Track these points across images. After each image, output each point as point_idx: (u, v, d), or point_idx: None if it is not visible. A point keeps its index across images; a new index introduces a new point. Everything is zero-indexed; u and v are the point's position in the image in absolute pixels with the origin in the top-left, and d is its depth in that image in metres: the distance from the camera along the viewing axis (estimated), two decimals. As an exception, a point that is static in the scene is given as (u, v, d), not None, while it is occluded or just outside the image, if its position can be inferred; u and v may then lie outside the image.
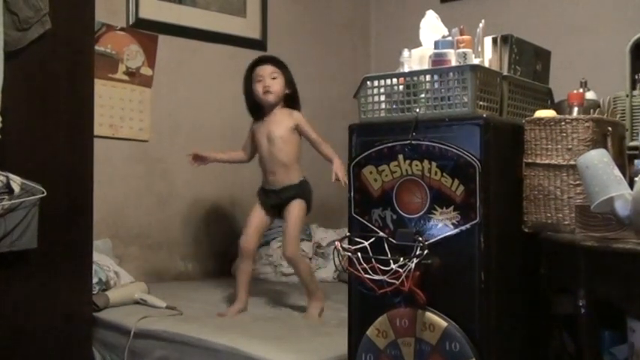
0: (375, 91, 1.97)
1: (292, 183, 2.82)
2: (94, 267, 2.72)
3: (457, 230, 1.80)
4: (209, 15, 3.66)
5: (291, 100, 2.89)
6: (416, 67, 1.99)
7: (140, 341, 2.54)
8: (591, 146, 1.78)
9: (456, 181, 1.80)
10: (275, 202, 2.83)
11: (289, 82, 2.87)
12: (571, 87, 2.13)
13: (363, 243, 1.90)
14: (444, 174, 1.81)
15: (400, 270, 1.78)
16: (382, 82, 1.96)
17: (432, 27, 2.09)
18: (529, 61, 2.11)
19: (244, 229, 2.87)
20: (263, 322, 2.63)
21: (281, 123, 2.84)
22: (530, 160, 1.88)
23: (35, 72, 2.39)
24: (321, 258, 3.66)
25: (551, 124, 1.84)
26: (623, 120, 2.19)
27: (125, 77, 3.34)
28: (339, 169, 2.65)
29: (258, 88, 2.82)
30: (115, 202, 3.29)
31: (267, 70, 2.83)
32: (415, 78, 1.91)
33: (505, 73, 1.99)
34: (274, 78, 2.82)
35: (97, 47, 3.02)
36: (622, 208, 1.58)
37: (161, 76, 3.47)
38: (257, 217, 2.85)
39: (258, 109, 2.88)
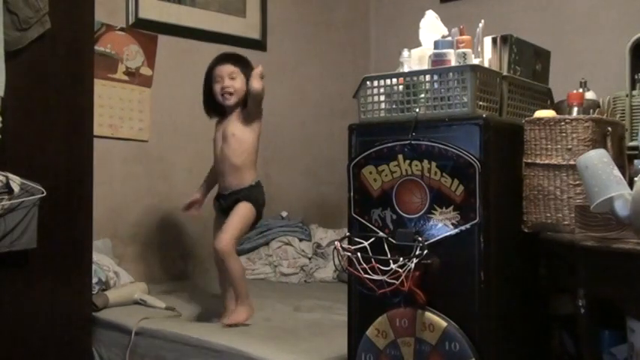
0: (375, 91, 1.97)
1: (242, 187, 2.65)
2: (94, 267, 2.72)
3: (457, 230, 1.80)
4: (209, 15, 3.66)
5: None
6: (416, 67, 2.00)
7: (140, 341, 2.54)
8: (591, 146, 1.78)
9: (456, 181, 1.80)
10: (224, 205, 2.68)
11: (248, 80, 2.64)
12: (571, 87, 2.13)
13: (362, 243, 1.90)
14: (444, 174, 1.81)
15: (400, 270, 1.78)
16: (382, 82, 1.96)
17: (431, 27, 2.09)
18: (529, 61, 2.11)
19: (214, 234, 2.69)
20: (263, 322, 2.63)
21: (236, 120, 2.68)
22: (529, 160, 1.88)
23: (35, 72, 2.39)
24: (321, 258, 3.66)
25: (550, 124, 1.84)
26: (623, 120, 2.20)
27: (125, 77, 3.34)
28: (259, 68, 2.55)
29: (217, 89, 2.68)
30: (115, 202, 3.29)
31: (225, 70, 2.67)
32: (415, 78, 1.91)
33: (505, 73, 1.99)
34: (233, 78, 2.67)
35: (96, 47, 3.02)
36: (622, 208, 1.58)
37: (161, 76, 3.46)
38: (218, 228, 2.67)
39: (218, 111, 2.75)
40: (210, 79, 2.72)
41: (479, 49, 1.99)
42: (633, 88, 2.25)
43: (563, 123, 1.83)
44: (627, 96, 2.24)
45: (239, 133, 2.66)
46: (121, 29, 3.33)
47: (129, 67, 3.35)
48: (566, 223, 1.81)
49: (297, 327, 2.57)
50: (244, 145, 2.66)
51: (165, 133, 3.51)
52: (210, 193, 2.86)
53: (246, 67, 2.71)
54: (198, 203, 2.86)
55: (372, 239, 1.90)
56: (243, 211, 2.61)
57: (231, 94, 2.66)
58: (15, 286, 2.33)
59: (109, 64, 3.28)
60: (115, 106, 3.31)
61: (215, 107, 2.75)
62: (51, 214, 2.35)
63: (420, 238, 1.82)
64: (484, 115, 1.80)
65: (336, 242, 1.93)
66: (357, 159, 1.97)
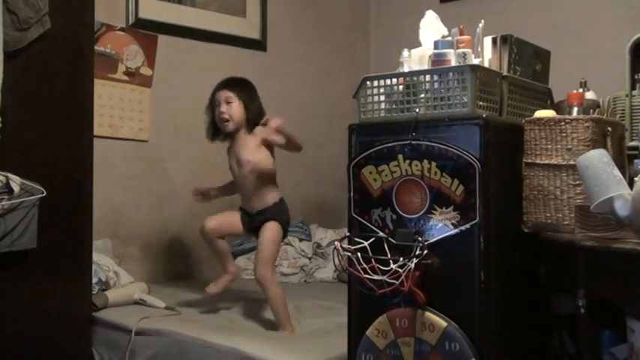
0: (375, 91, 1.97)
1: (267, 206, 2.69)
2: (94, 267, 2.72)
3: (457, 230, 1.80)
4: (209, 15, 3.66)
5: (253, 124, 2.73)
6: (416, 67, 1.99)
7: (140, 341, 2.54)
8: (591, 146, 1.78)
9: (456, 181, 1.80)
10: (251, 225, 2.74)
11: (247, 105, 2.71)
12: (571, 87, 2.13)
13: (362, 243, 1.90)
14: (444, 174, 1.81)
15: (400, 270, 1.78)
16: (382, 82, 1.96)
17: (431, 27, 2.09)
18: (529, 61, 2.11)
19: (213, 215, 2.79)
20: (263, 322, 2.63)
21: (247, 146, 2.70)
22: (529, 160, 1.88)
23: (35, 72, 2.39)
24: (321, 258, 3.66)
25: (550, 124, 1.84)
26: (623, 120, 2.20)
27: (125, 77, 3.34)
28: (277, 122, 2.59)
29: (216, 115, 2.72)
30: (115, 202, 3.29)
31: (222, 96, 2.71)
32: (415, 78, 1.91)
33: (505, 73, 1.99)
34: (229, 103, 2.69)
35: (96, 47, 3.02)
36: (621, 208, 1.58)
37: (161, 76, 3.47)
38: (233, 215, 2.78)
39: (219, 134, 2.78)
40: (212, 103, 2.77)
41: (479, 49, 1.99)
42: (633, 88, 2.25)
43: (563, 123, 1.83)
44: (627, 96, 2.24)
45: (254, 158, 2.68)
46: (121, 29, 3.33)
47: (129, 67, 3.36)
48: (566, 223, 1.81)
49: (297, 327, 2.57)
50: (262, 168, 2.68)
51: (166, 133, 3.51)
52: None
53: (243, 91, 2.72)
54: (209, 197, 2.92)
55: (372, 239, 1.90)
56: (272, 233, 2.65)
57: (227, 120, 2.69)
58: (15, 286, 2.33)
59: (109, 64, 3.28)
60: (115, 106, 3.31)
61: (214, 131, 2.79)
62: (51, 214, 2.35)
63: (420, 238, 1.82)
64: (484, 115, 1.80)
65: (336, 242, 1.93)
66: (357, 159, 1.97)
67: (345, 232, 2.04)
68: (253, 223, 2.72)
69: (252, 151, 2.69)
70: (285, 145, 2.64)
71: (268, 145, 2.70)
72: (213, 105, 2.76)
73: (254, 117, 2.72)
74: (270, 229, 2.66)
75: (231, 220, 2.77)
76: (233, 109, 2.69)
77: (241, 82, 2.78)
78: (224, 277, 2.78)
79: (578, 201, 1.79)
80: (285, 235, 2.76)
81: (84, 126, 2.54)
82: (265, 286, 2.58)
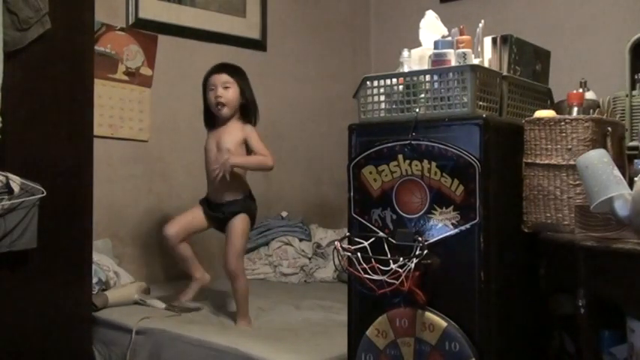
0: (375, 91, 1.97)
1: (236, 198, 2.71)
2: (94, 267, 2.72)
3: (457, 230, 1.80)
4: (208, 15, 3.66)
5: (246, 111, 2.75)
6: (416, 67, 2.00)
7: (140, 341, 2.54)
8: (591, 146, 1.78)
9: (456, 181, 1.80)
10: (217, 216, 2.74)
11: (244, 91, 2.72)
12: (571, 87, 2.13)
13: (362, 243, 1.90)
14: (444, 174, 1.81)
15: (400, 270, 1.78)
16: (382, 82, 1.96)
17: (431, 27, 2.09)
18: (529, 61, 2.11)
19: (173, 218, 2.82)
20: (263, 323, 2.63)
21: (231, 134, 2.71)
22: (529, 160, 1.88)
23: (35, 72, 2.39)
24: (321, 258, 3.66)
25: (550, 124, 1.84)
26: (623, 120, 2.20)
27: (125, 77, 3.34)
28: (226, 161, 2.60)
29: (211, 98, 2.71)
30: (115, 202, 3.29)
31: (220, 79, 2.70)
32: (415, 78, 1.91)
33: (505, 73, 1.99)
34: (227, 87, 2.69)
35: (96, 47, 3.02)
36: (621, 208, 1.58)
37: (161, 76, 3.46)
38: (194, 214, 2.78)
39: (212, 119, 2.78)
40: (205, 87, 2.76)
41: (479, 49, 1.99)
42: (633, 88, 2.25)
43: (563, 123, 1.83)
44: (627, 96, 2.24)
45: (235, 148, 2.69)
46: (121, 29, 3.33)
47: (129, 67, 3.35)
48: (566, 223, 1.81)
49: (297, 327, 2.57)
50: (238, 163, 2.68)
51: (165, 133, 3.50)
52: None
53: (242, 78, 2.74)
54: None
55: (372, 239, 1.90)
56: (241, 225, 2.67)
57: (223, 104, 2.69)
58: (15, 286, 2.33)
59: (109, 64, 3.28)
60: (115, 106, 3.31)
61: (209, 117, 2.79)
62: (51, 214, 2.34)
63: (420, 238, 1.82)
64: (484, 115, 1.80)
65: (336, 242, 1.93)
66: (357, 159, 1.97)
67: (345, 232, 2.04)
68: (219, 215, 2.72)
69: (235, 142, 2.69)
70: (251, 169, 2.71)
71: (248, 145, 2.71)
72: (206, 89, 2.74)
73: (248, 106, 2.73)
74: (242, 221, 2.67)
75: (191, 218, 2.77)
76: (230, 94, 2.69)
77: (239, 69, 2.77)
78: (192, 285, 2.82)
79: (578, 201, 1.79)
80: (251, 228, 2.80)
81: (84, 126, 2.53)
82: (236, 278, 2.61)
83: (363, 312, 1.97)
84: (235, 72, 2.74)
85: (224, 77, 2.70)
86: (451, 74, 1.84)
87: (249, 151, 2.73)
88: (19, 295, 2.35)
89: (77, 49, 2.50)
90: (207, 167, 2.76)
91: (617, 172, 1.62)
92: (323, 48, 4.23)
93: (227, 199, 2.71)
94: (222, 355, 2.28)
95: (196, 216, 2.77)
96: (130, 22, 3.37)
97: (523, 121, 1.92)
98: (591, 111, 2.06)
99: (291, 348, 2.26)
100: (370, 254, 1.87)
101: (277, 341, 2.34)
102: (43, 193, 2.28)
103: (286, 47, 4.03)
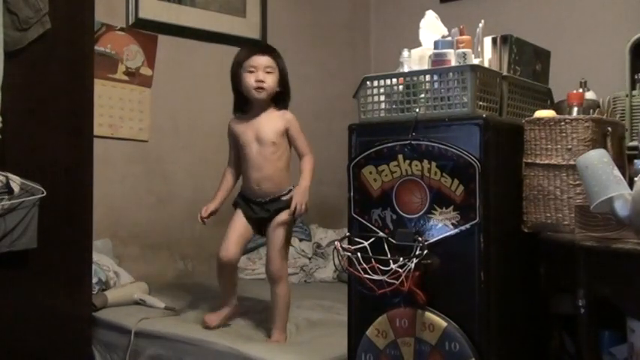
0: (375, 91, 1.97)
1: (282, 193, 2.45)
2: (94, 267, 2.72)
3: (457, 230, 1.80)
4: (208, 15, 3.66)
5: (281, 99, 2.50)
6: (416, 67, 1.99)
7: (140, 341, 2.54)
8: (591, 146, 1.78)
9: (456, 181, 1.79)
10: (260, 215, 2.46)
11: (283, 78, 2.48)
12: (571, 87, 2.13)
13: (362, 243, 1.90)
14: (444, 174, 1.81)
15: (400, 270, 1.78)
16: (382, 82, 1.96)
17: (431, 27, 2.09)
18: (529, 61, 2.11)
19: (225, 238, 2.46)
20: (263, 323, 2.63)
21: (271, 124, 2.44)
22: (529, 160, 1.88)
23: (35, 72, 2.39)
24: (321, 258, 3.66)
25: (550, 124, 1.84)
26: (623, 120, 2.20)
27: (125, 77, 3.34)
28: (298, 196, 2.36)
29: (250, 81, 2.41)
30: (115, 202, 3.29)
31: (262, 62, 2.42)
32: (415, 78, 1.91)
33: (505, 73, 1.99)
34: (269, 72, 2.42)
35: (96, 47, 3.02)
36: (621, 208, 1.58)
37: (161, 76, 3.47)
38: (241, 225, 2.47)
39: (242, 104, 2.51)
40: (239, 67, 2.46)
41: (479, 49, 1.99)
42: (633, 88, 2.25)
43: (563, 123, 1.83)
44: (627, 96, 2.24)
45: (278, 140, 2.45)
46: (121, 29, 3.33)
47: (129, 67, 3.36)
48: (566, 223, 1.81)
49: (297, 327, 2.57)
50: (282, 149, 2.46)
51: (165, 133, 3.51)
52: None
53: (283, 63, 2.50)
54: (213, 215, 2.54)
55: (372, 239, 1.90)
56: (288, 224, 2.44)
57: (264, 89, 2.42)
58: (15, 286, 2.33)
59: (109, 64, 3.28)
60: (115, 106, 3.31)
61: (240, 102, 2.51)
62: (51, 214, 2.35)
63: (420, 238, 1.82)
64: (484, 115, 1.80)
65: (336, 242, 1.93)
66: (357, 159, 1.97)
67: (345, 232, 2.04)
68: (263, 215, 2.46)
69: (277, 132, 2.44)
70: None
71: (289, 136, 2.47)
72: (242, 70, 2.45)
73: (285, 93, 2.50)
74: (287, 219, 2.43)
75: (239, 231, 2.47)
76: (272, 79, 2.43)
77: (280, 55, 2.51)
78: (226, 312, 2.52)
79: (578, 201, 1.79)
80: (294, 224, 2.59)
81: (84, 126, 2.54)
82: (279, 281, 2.40)
83: (363, 312, 1.96)
84: (278, 56, 2.49)
85: (267, 60, 2.44)
86: (451, 74, 1.84)
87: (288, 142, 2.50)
88: (19, 295, 2.35)
89: (77, 49, 2.51)
90: (246, 164, 2.48)
91: (617, 172, 1.62)
92: (323, 48, 4.23)
93: (272, 195, 2.44)
94: (222, 355, 2.28)
95: (242, 225, 2.48)
96: (130, 22, 3.37)
97: (523, 121, 1.91)
98: (591, 111, 2.06)
99: (291, 348, 2.26)
100: (370, 254, 1.87)
101: (277, 341, 2.34)
102: (43, 193, 2.28)
103: (286, 47, 4.01)
